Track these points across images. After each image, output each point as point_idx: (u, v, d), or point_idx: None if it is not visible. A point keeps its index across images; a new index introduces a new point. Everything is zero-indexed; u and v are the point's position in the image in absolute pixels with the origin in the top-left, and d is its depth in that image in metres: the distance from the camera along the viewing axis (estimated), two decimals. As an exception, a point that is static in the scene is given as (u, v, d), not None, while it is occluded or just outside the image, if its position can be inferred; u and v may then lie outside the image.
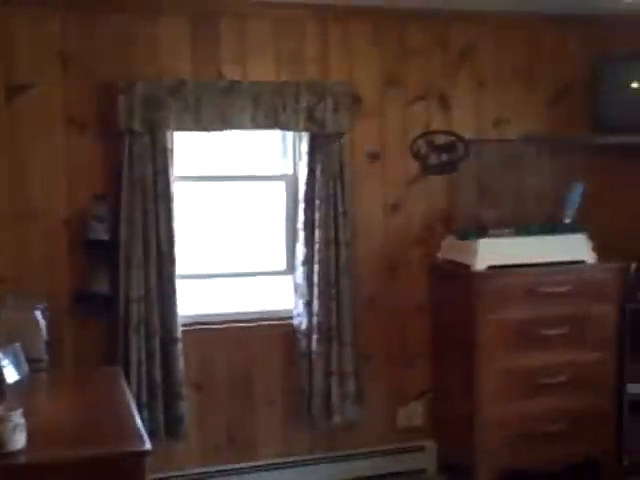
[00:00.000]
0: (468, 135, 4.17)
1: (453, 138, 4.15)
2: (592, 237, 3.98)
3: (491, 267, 3.78)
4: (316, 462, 4.07)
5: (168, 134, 3.66)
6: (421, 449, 4.21)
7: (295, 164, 4.01)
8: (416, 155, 4.12)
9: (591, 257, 3.93)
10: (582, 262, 3.92)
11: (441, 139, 4.15)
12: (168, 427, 3.70)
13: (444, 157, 4.15)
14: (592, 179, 4.28)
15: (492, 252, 3.80)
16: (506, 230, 3.95)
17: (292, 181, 4.01)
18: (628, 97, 4.14)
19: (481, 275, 3.76)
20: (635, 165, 4.44)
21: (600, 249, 4.04)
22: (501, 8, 4.04)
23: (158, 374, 3.66)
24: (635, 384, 4.10)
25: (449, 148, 4.15)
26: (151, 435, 3.60)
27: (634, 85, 4.11)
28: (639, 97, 4.12)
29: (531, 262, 3.84)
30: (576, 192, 4.02)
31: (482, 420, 3.80)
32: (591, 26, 4.24)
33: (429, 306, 4.19)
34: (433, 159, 4.15)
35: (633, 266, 4.17)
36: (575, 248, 3.91)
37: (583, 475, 4.01)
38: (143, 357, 3.63)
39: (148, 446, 2.25)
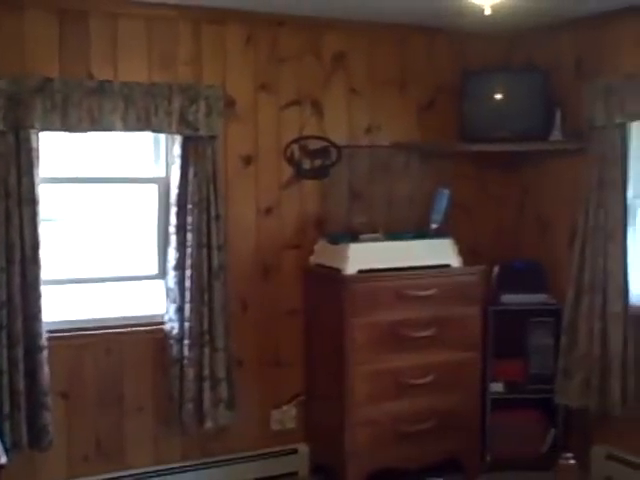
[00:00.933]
0: (341, 141, 4.25)
1: (326, 143, 4.21)
2: (458, 242, 4.13)
3: (361, 271, 3.85)
4: (189, 469, 4.02)
5: (33, 134, 3.52)
6: (294, 452, 4.24)
7: (168, 167, 3.96)
8: (290, 160, 4.16)
9: (456, 261, 4.07)
10: (448, 266, 4.06)
11: (314, 144, 4.20)
12: (32, 438, 3.56)
13: (317, 162, 4.21)
14: (460, 186, 4.46)
15: (362, 256, 3.88)
16: (376, 235, 4.04)
17: (164, 184, 3.95)
18: (492, 108, 4.32)
19: (351, 279, 3.83)
20: (499, 172, 4.65)
21: (466, 253, 4.21)
22: (372, 18, 4.13)
23: (21, 383, 3.51)
24: (496, 383, 4.29)
25: (322, 153, 4.21)
26: (14, 447, 3.49)
27: (497, 96, 4.30)
28: (502, 108, 4.31)
29: (400, 266, 3.93)
30: (443, 198, 4.15)
31: (352, 421, 3.86)
32: (459, 38, 4.41)
33: (302, 310, 4.23)
34: (306, 164, 4.19)
35: (496, 269, 4.36)
36: (441, 252, 4.05)
37: (447, 472, 4.14)
38: (5, 366, 3.48)
39: (4, 460, 2.16)
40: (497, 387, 4.30)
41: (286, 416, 4.24)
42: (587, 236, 4.02)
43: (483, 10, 2.96)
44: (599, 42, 4.11)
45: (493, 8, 2.98)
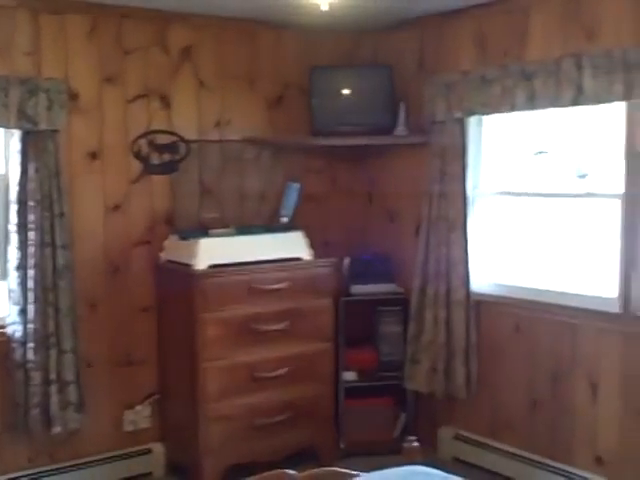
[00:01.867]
0: (190, 135, 4.20)
1: (175, 138, 4.16)
2: (310, 235, 4.19)
3: (212, 266, 3.83)
4: (37, 476, 3.87)
5: None
6: (148, 452, 4.17)
7: (7, 163, 3.78)
8: (137, 155, 4.07)
9: (307, 254, 4.13)
10: (299, 259, 4.11)
11: (163, 139, 4.14)
12: None
13: (166, 157, 4.15)
14: (311, 180, 4.54)
15: (213, 251, 3.86)
16: (227, 230, 4.04)
17: (3, 181, 3.77)
18: (339, 103, 4.41)
19: (202, 274, 3.80)
20: (348, 166, 4.75)
21: (318, 246, 4.28)
22: (219, 12, 4.11)
23: None
24: (349, 372, 4.39)
25: (171, 148, 4.16)
26: None
27: (344, 92, 4.40)
28: (349, 103, 4.40)
29: (251, 260, 3.95)
30: (293, 192, 4.20)
31: (205, 417, 3.84)
32: (307, 35, 4.47)
33: (154, 307, 4.16)
34: (155, 159, 4.12)
35: (347, 261, 4.46)
36: (292, 246, 4.09)
37: (303, 461, 4.19)
38: None
39: None
40: (350, 376, 4.41)
41: (140, 416, 4.16)
42: (431, 227, 4.18)
43: (319, 7, 3.00)
44: (439, 40, 4.28)
45: (331, 5, 3.03)
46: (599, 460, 3.69)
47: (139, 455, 4.14)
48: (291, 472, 2.68)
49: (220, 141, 4.30)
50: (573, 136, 3.80)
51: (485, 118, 4.11)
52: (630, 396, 3.55)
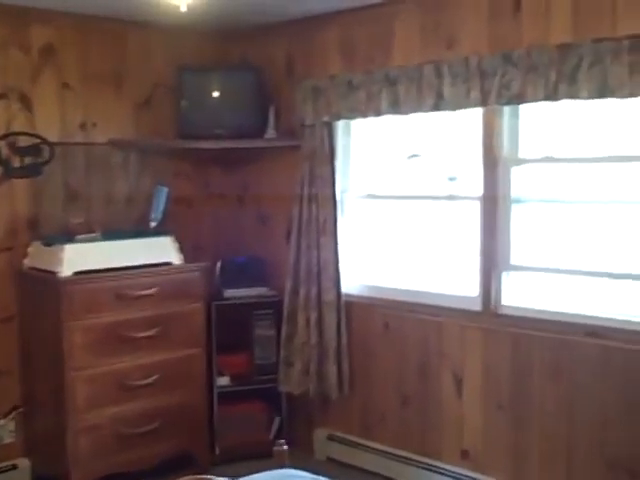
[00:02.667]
0: (53, 137, 4.06)
1: (37, 140, 4.01)
2: (180, 239, 4.14)
3: (78, 273, 3.72)
4: None
5: None
6: (14, 468, 4.00)
7: None
8: (-3, 158, 3.91)
9: (177, 259, 4.07)
10: (169, 264, 4.05)
11: (24, 141, 3.98)
12: None
13: (28, 160, 3.99)
14: (181, 184, 4.49)
15: (79, 257, 3.74)
16: (93, 235, 3.92)
17: None
18: (208, 105, 4.37)
19: (67, 281, 3.68)
20: (219, 170, 4.73)
21: (189, 250, 4.24)
22: (82, 11, 4.00)
23: None
24: (223, 377, 4.36)
25: (33, 150, 4.00)
26: None
27: (213, 94, 4.37)
28: (218, 105, 4.38)
29: (119, 266, 3.86)
30: (161, 196, 4.13)
31: (73, 428, 3.72)
32: (175, 35, 4.41)
33: (17, 316, 4.00)
34: (16, 162, 3.96)
35: (218, 265, 4.44)
36: (161, 251, 4.03)
37: (178, 467, 4.14)
38: None
39: None
40: (223, 381, 4.38)
41: (4, 430, 3.99)
42: (302, 229, 4.22)
43: (179, 8, 2.97)
44: (308, 44, 4.32)
45: (190, 7, 3.01)
46: (465, 454, 3.83)
47: (4, 472, 3.96)
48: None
49: (86, 144, 4.17)
50: (444, 140, 3.92)
51: (353, 122, 4.18)
52: (491, 390, 3.71)
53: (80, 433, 3.75)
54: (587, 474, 3.38)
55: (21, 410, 4.03)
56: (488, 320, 3.71)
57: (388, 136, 4.13)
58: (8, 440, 4.00)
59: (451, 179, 3.94)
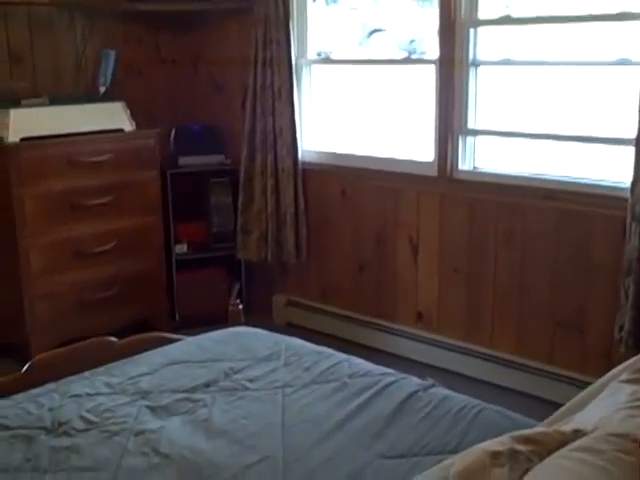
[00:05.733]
0: (-4, -2, 3.86)
1: (-24, 1, 3.81)
2: (132, 105, 4.03)
3: (26, 139, 3.62)
4: None
5: None
6: (-28, 335, 4.03)
7: None
8: None
9: (129, 125, 3.98)
10: (121, 130, 3.95)
11: (-39, 1, 3.78)
12: None
13: (-33, 22, 3.80)
14: (131, 48, 4.34)
15: (26, 123, 3.63)
16: (40, 99, 3.80)
17: None
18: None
19: (14, 148, 3.58)
20: (171, 34, 4.56)
21: (141, 117, 4.13)
22: None
23: None
24: (181, 245, 4.36)
25: (-28, 11, 3.81)
26: None
27: (162, -49, 4.16)
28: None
29: (68, 132, 3.75)
30: (109, 59, 3.99)
31: (30, 296, 3.73)
32: None
33: (-35, 185, 3.91)
34: (-46, 23, 3.78)
35: (173, 133, 4.35)
36: (112, 117, 3.92)
37: (137, 333, 4.18)
38: None
39: None
40: (181, 248, 4.38)
41: (-40, 299, 3.98)
42: (257, 96, 4.12)
43: None
44: None
45: None
46: (419, 315, 3.92)
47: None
48: (112, 339, 2.68)
49: (28, 3, 3.97)
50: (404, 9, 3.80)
51: (309, -18, 4.03)
52: (446, 255, 3.76)
53: (38, 300, 3.76)
54: (538, 332, 3.50)
55: (-23, 279, 4.01)
56: (444, 185, 3.71)
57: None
58: (-35, 309, 4.00)
59: (411, 42, 3.85)
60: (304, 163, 4.16)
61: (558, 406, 1.99)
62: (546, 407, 2.41)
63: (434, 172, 3.74)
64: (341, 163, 4.12)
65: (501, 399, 2.58)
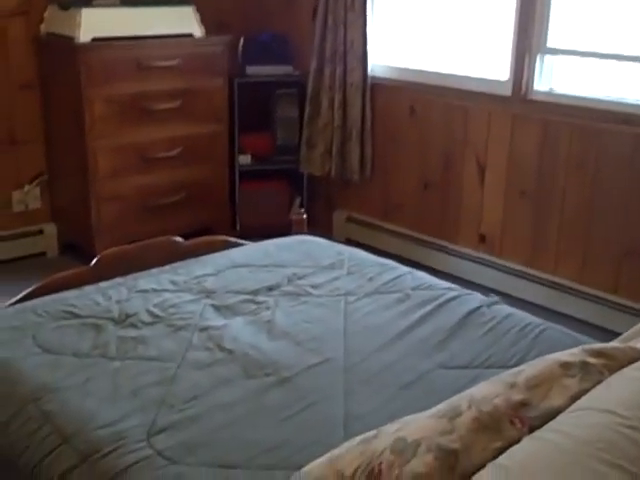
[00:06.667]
0: None
1: None
2: (201, 11, 3.98)
3: (96, 39, 3.61)
4: None
5: None
6: (40, 232, 4.12)
7: None
8: None
9: (199, 31, 3.93)
10: (190, 35, 3.91)
11: None
12: None
13: None
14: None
15: (97, 23, 3.62)
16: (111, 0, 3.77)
17: None
18: None
19: (85, 48, 3.58)
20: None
21: (210, 24, 4.08)
22: None
23: None
24: (244, 155, 4.35)
25: None
26: None
27: None
28: None
29: (138, 34, 3.73)
30: (182, -39, 3.92)
31: (96, 197, 3.78)
32: None
33: (37, 84, 3.93)
34: None
35: (241, 42, 4.29)
36: (183, 21, 3.88)
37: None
38: None
39: None
40: (245, 159, 4.37)
41: (29, 196, 4.06)
42: (329, 6, 4.02)
43: None
44: None
45: None
46: (482, 238, 3.87)
47: (32, 235, 4.09)
48: (178, 239, 2.71)
49: None
50: None
51: None
52: (514, 178, 3.68)
53: (104, 202, 3.82)
54: (604, 261, 3.42)
55: (45, 177, 4.08)
56: (517, 105, 3.60)
57: None
58: (34, 206, 4.09)
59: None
60: (373, 78, 4.08)
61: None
62: (608, 337, 2.36)
63: (508, 92, 3.63)
64: (411, 79, 4.02)
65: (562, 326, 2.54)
